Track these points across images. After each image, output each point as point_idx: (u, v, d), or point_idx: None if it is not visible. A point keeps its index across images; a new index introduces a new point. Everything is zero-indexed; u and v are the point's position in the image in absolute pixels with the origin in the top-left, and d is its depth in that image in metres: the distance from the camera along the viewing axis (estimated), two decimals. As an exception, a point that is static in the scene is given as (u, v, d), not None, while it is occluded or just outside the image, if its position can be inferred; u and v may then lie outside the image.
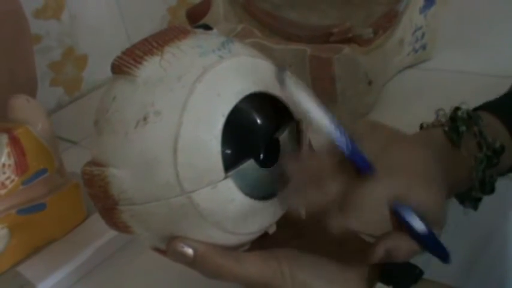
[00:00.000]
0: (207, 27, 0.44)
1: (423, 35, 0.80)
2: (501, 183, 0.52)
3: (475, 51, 0.83)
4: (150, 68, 0.40)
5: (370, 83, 0.71)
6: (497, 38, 0.85)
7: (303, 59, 0.70)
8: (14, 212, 0.55)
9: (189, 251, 0.41)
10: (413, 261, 0.44)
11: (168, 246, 0.41)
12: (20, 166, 0.54)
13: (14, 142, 0.53)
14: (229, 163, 0.39)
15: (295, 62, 0.72)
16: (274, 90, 0.41)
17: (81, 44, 0.97)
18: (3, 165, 0.53)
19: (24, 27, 0.74)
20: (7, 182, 0.54)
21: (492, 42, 0.84)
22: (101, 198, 0.41)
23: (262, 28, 0.79)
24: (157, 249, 0.44)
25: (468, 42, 0.85)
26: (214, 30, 0.44)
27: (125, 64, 0.40)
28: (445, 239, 0.71)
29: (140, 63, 0.40)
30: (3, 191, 0.53)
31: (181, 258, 0.41)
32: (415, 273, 0.43)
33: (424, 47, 0.81)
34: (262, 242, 0.47)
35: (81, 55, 0.97)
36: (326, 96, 0.70)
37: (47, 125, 0.57)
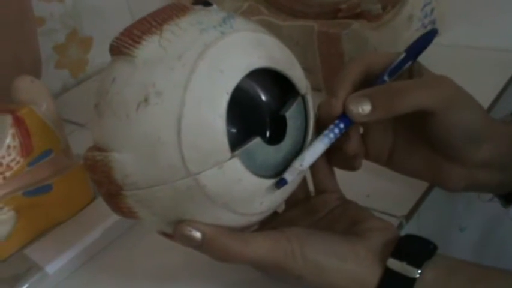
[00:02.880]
0: (207, 4, 0.43)
1: (432, 10, 0.79)
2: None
3: (484, 25, 0.82)
4: (149, 47, 0.39)
5: (379, 59, 0.70)
6: (507, 12, 0.84)
7: (310, 35, 0.69)
8: (20, 193, 0.54)
9: (197, 235, 0.40)
10: (427, 237, 0.43)
11: (175, 231, 0.41)
12: (25, 147, 0.53)
13: (19, 123, 0.53)
14: (235, 142, 0.39)
15: (303, 39, 0.71)
16: (278, 65, 0.40)
17: (85, 26, 0.96)
18: (8, 146, 0.52)
19: (28, 9, 0.73)
20: (12, 164, 0.53)
21: (502, 16, 0.83)
22: (104, 184, 0.40)
23: (268, 5, 0.78)
24: (164, 234, 0.43)
25: (478, 17, 0.84)
26: (214, 6, 0.43)
27: (123, 45, 0.39)
28: (457, 217, 0.71)
29: (139, 43, 0.39)
30: (8, 173, 0.53)
31: (189, 242, 0.41)
32: (429, 248, 0.42)
33: (433, 23, 0.80)
34: (271, 222, 0.47)
35: (85, 37, 0.96)
36: (334, 72, 0.69)
37: (51, 105, 0.56)
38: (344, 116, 0.44)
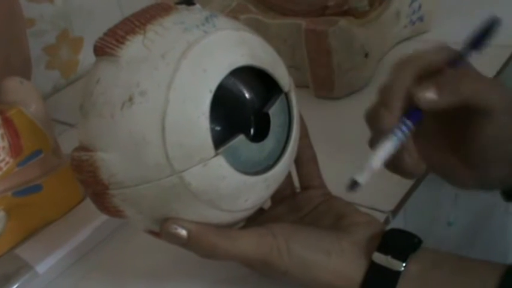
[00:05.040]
0: (190, 3, 0.43)
1: (420, 6, 0.79)
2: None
3: (473, 21, 0.82)
4: (133, 47, 0.39)
5: (366, 55, 0.70)
6: (495, 7, 0.84)
7: (298, 33, 0.70)
8: (10, 194, 0.55)
9: (183, 232, 0.41)
10: (412, 230, 0.44)
11: (161, 228, 0.41)
12: (14, 148, 0.54)
13: (7, 123, 0.53)
14: (219, 140, 0.39)
15: (291, 36, 0.71)
16: (261, 63, 0.41)
17: (75, 27, 0.96)
18: (-3, 147, 0.53)
19: (17, 10, 0.73)
20: (2, 164, 0.53)
21: (489, 11, 0.83)
22: (90, 184, 0.41)
23: (257, 4, 0.78)
24: (151, 232, 0.43)
25: (466, 12, 0.84)
26: (197, 6, 0.43)
27: (107, 45, 0.40)
28: (445, 212, 0.71)
29: (123, 43, 0.39)
30: (-2, 174, 0.53)
31: (175, 239, 0.41)
32: (414, 242, 0.43)
33: (421, 19, 0.80)
34: (257, 218, 0.47)
35: (76, 38, 0.96)
36: (323, 70, 0.69)
37: (40, 106, 0.56)
38: (409, 113, 0.43)
